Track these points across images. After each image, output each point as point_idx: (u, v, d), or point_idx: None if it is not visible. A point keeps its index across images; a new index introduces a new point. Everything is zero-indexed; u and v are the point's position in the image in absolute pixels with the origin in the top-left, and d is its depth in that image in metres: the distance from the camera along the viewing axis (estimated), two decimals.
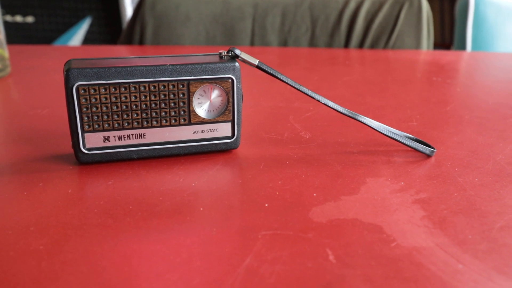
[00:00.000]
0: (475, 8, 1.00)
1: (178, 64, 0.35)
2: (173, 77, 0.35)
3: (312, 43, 0.97)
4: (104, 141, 0.36)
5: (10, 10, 1.92)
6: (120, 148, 0.36)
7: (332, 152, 0.39)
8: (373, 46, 0.95)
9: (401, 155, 0.39)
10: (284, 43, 0.98)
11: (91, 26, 1.98)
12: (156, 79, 0.35)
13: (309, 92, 0.38)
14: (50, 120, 0.47)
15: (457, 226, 0.28)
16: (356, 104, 0.54)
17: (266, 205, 0.30)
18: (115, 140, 0.36)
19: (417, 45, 0.94)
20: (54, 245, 0.26)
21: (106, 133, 0.36)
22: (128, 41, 1.00)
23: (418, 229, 0.27)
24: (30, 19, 1.94)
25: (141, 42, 0.98)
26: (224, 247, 0.26)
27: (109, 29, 1.99)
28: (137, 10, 0.99)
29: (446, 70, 0.74)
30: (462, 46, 1.02)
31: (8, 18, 1.93)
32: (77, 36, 1.98)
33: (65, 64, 0.35)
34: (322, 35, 0.97)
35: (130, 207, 0.30)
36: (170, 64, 0.35)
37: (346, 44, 0.96)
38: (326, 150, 0.40)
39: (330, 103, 0.38)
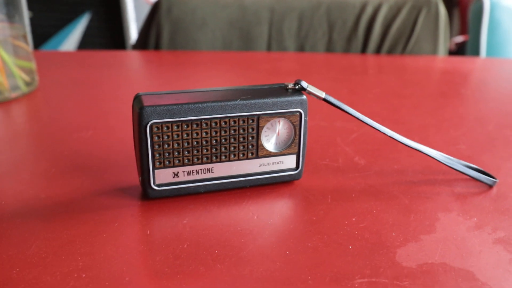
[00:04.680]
0: (490, 12, 1.00)
1: (248, 99, 0.35)
2: (244, 112, 0.35)
3: (329, 48, 0.97)
4: (173, 177, 0.36)
5: None
6: (188, 183, 0.36)
7: (393, 182, 0.40)
8: (391, 51, 0.96)
9: (462, 185, 0.39)
10: (301, 48, 0.98)
11: (90, 21, 1.95)
12: (227, 115, 0.35)
13: (388, 132, 0.38)
14: (98, 145, 0.47)
15: None
16: (396, 123, 0.54)
17: (350, 247, 0.31)
18: (184, 176, 0.36)
19: (434, 51, 0.95)
20: None
21: (176, 169, 0.35)
22: (143, 46, 0.99)
23: (510, 276, 0.28)
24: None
25: (157, 46, 0.97)
26: None
27: (109, 25, 1.96)
28: (152, 14, 0.97)
29: (471, 80, 0.74)
30: (476, 51, 1.02)
31: None
32: (75, 32, 1.95)
33: (134, 100, 0.35)
34: (339, 40, 0.97)
35: (216, 251, 0.30)
36: (240, 99, 0.35)
37: (364, 49, 0.96)
38: (386, 179, 0.40)
39: (406, 140, 0.38)
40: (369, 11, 0.96)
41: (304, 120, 0.37)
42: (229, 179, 0.37)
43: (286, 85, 0.37)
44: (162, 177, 0.35)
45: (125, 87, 0.70)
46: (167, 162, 0.35)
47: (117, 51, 0.95)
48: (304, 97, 0.37)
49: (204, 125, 0.35)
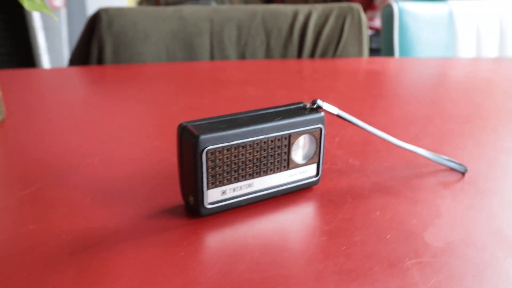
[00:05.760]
0: (399, 17, 1.15)
1: (281, 120, 0.40)
2: (279, 132, 0.40)
3: (268, 54, 1.04)
4: (221, 195, 0.40)
5: None
6: (233, 199, 0.40)
7: (390, 178, 0.47)
8: (323, 55, 1.05)
9: (442, 175, 0.48)
10: (242, 56, 1.03)
11: None
12: (266, 136, 0.40)
13: (395, 141, 0.45)
14: (111, 170, 0.48)
15: None
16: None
17: (388, 236, 0.38)
18: (230, 192, 0.40)
19: (360, 53, 1.06)
20: None
21: (224, 187, 0.40)
22: (84, 61, 0.97)
23: (503, 243, 0.37)
24: None
25: (100, 61, 0.96)
26: (395, 279, 0.33)
27: (9, 33, 1.83)
28: (91, 28, 0.96)
29: (402, 80, 0.86)
30: (390, 52, 1.16)
31: None
32: None
33: (182, 130, 0.38)
34: (277, 47, 1.04)
35: (286, 255, 0.35)
36: (275, 120, 0.40)
37: (299, 55, 1.05)
38: (383, 176, 0.48)
39: (405, 145, 0.46)
40: (300, 19, 1.04)
41: (323, 134, 0.43)
42: (265, 191, 0.42)
43: (305, 105, 0.43)
44: (213, 196, 0.39)
45: (93, 106, 0.71)
46: (218, 182, 0.39)
47: (61, 69, 0.93)
48: (323, 114, 0.43)
49: (248, 146, 0.39)
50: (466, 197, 0.44)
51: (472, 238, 0.37)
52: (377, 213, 0.41)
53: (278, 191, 0.43)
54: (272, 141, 0.40)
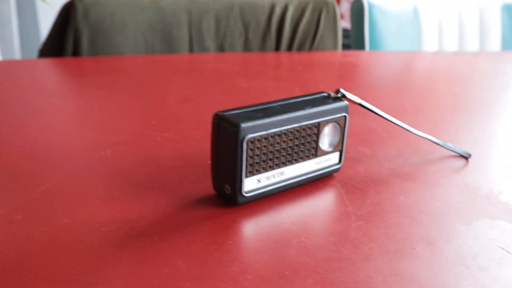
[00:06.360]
0: (369, 13, 1.19)
1: (312, 109, 0.41)
2: (311, 120, 0.41)
3: (247, 47, 1.05)
4: (257, 183, 0.40)
5: None
6: (267, 187, 0.41)
7: (402, 164, 0.50)
8: (301, 48, 1.07)
9: (448, 160, 0.51)
10: (221, 48, 1.03)
11: None
12: (300, 124, 0.41)
13: (415, 131, 0.47)
14: (129, 161, 0.47)
15: None
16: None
17: (419, 219, 0.40)
18: (264, 181, 0.41)
19: (335, 46, 1.09)
20: (321, 281, 0.31)
21: (259, 176, 0.40)
22: (57, 53, 0.93)
23: None
24: None
25: (76, 53, 0.93)
26: (438, 257, 0.35)
27: None
28: (65, 18, 0.92)
29: (382, 72, 0.89)
30: (361, 46, 1.20)
31: None
32: None
33: (221, 119, 0.38)
34: (255, 39, 1.05)
35: (331, 239, 0.36)
36: (306, 108, 0.41)
37: (277, 47, 1.06)
38: (396, 163, 0.50)
39: (425, 135, 0.48)
40: (277, 11, 1.05)
41: (347, 122, 0.44)
42: (295, 179, 0.43)
43: (329, 94, 0.44)
44: (249, 184, 0.40)
45: (81, 98, 0.68)
46: (255, 171, 0.39)
47: (35, 60, 0.88)
48: (347, 102, 0.44)
49: (283, 135, 0.40)
50: (476, 179, 0.47)
51: (494, 218, 0.40)
52: (402, 197, 0.43)
53: (306, 178, 0.44)
54: (304, 129, 0.41)
